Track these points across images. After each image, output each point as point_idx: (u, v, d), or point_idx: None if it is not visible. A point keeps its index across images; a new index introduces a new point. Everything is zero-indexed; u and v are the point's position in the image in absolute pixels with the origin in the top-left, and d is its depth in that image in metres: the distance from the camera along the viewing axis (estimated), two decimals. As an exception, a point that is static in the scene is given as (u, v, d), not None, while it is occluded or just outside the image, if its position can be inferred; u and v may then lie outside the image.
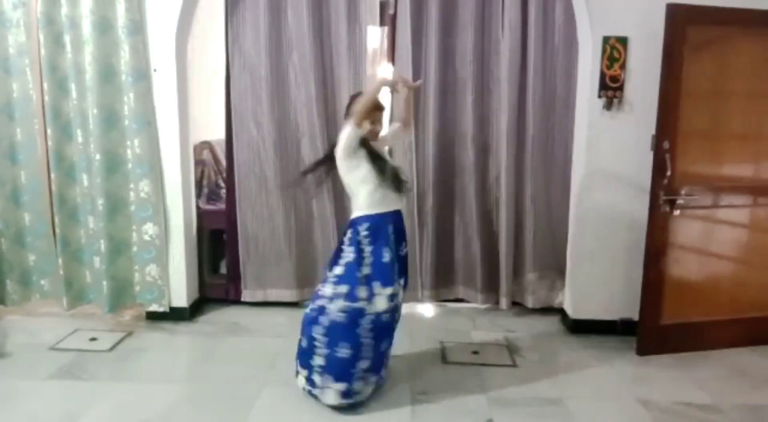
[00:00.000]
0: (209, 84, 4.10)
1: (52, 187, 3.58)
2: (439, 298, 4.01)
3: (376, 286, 2.62)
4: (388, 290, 2.63)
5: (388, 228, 2.69)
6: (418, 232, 3.85)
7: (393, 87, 2.79)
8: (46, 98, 3.46)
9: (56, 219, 3.57)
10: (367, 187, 2.66)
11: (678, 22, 3.03)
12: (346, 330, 2.59)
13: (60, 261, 3.61)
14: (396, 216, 2.76)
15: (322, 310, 2.63)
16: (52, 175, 3.54)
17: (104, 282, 3.56)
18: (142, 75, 3.43)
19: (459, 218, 3.86)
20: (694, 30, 3.06)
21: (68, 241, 3.62)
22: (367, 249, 2.65)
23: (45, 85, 3.45)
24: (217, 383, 2.93)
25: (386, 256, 2.65)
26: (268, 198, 3.85)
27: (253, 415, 2.63)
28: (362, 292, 2.61)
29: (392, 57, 3.81)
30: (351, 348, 2.59)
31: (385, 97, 2.83)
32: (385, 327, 2.68)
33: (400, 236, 2.80)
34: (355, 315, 2.59)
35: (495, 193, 3.82)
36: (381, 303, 2.62)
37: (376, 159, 2.68)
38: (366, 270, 2.64)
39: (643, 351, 3.27)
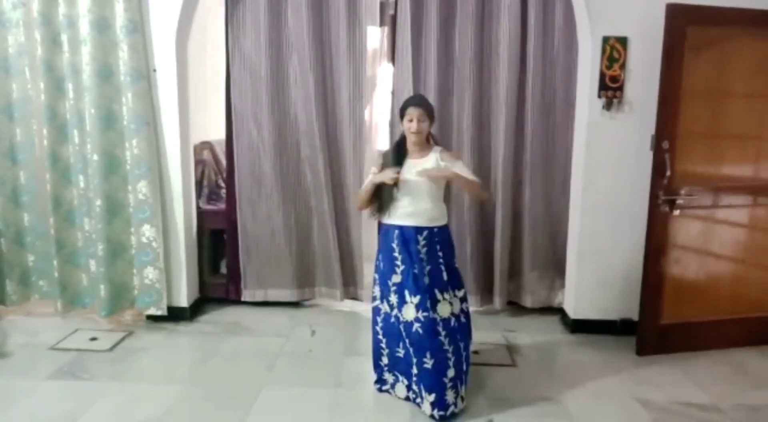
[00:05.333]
0: (210, 84, 4.10)
1: (48, 188, 3.57)
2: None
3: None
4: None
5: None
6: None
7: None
8: (43, 98, 3.45)
9: (51, 221, 3.56)
10: None
11: (678, 22, 3.03)
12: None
13: (55, 263, 3.60)
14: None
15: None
16: (48, 176, 3.54)
17: (101, 286, 3.54)
18: (141, 75, 3.42)
19: (457, 218, 3.85)
20: (694, 30, 3.06)
21: (63, 243, 3.61)
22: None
23: (42, 85, 3.44)
24: (217, 383, 2.93)
25: (381, 263, 2.78)
26: (268, 198, 3.85)
27: (252, 415, 2.63)
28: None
29: (392, 57, 3.82)
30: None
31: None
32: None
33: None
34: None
35: (493, 192, 3.82)
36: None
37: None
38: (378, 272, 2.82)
39: (642, 351, 3.27)
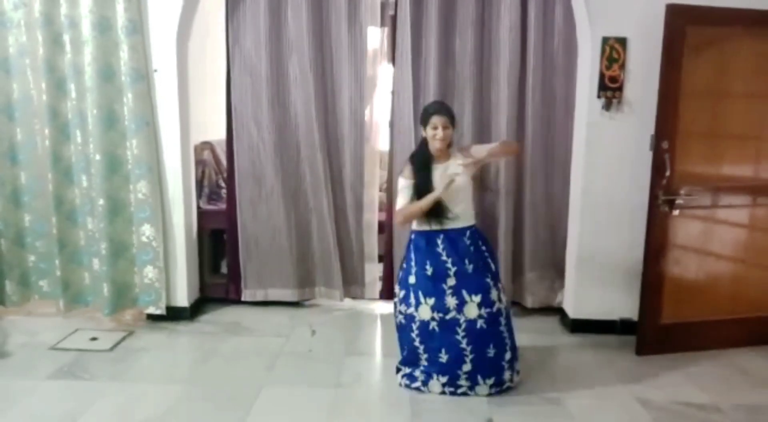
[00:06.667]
0: (210, 84, 4.10)
1: (50, 188, 3.57)
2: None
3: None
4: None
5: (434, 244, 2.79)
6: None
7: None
8: (44, 98, 3.45)
9: (54, 220, 3.56)
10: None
11: (677, 22, 3.03)
12: (399, 332, 2.92)
13: (57, 262, 3.61)
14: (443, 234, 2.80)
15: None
16: (50, 176, 3.54)
17: (104, 285, 3.55)
18: (141, 75, 3.43)
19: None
20: (694, 30, 3.06)
21: (65, 243, 3.62)
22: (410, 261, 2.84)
23: (43, 85, 3.44)
24: (217, 383, 2.93)
25: (428, 270, 2.77)
26: (268, 198, 3.85)
27: (252, 415, 2.63)
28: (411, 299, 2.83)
29: (392, 58, 3.82)
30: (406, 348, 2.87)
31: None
32: (436, 335, 2.78)
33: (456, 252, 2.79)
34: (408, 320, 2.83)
35: (494, 192, 3.82)
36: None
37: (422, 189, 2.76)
38: (412, 279, 2.82)
39: (642, 350, 3.27)
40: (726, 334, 3.36)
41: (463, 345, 2.74)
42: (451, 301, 2.73)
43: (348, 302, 4.02)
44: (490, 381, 2.77)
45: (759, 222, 3.39)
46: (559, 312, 3.81)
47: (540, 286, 3.88)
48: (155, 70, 3.49)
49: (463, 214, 2.80)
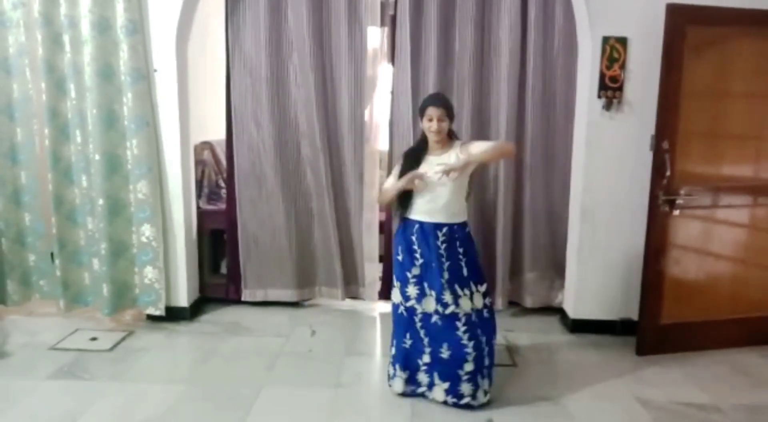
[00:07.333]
0: (210, 84, 4.10)
1: (49, 188, 3.57)
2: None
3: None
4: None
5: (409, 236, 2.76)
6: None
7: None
8: (44, 98, 3.45)
9: (53, 220, 3.56)
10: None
11: (678, 22, 3.03)
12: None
13: (57, 262, 3.61)
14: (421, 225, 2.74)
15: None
16: (50, 176, 3.54)
17: (104, 285, 3.55)
18: (141, 75, 3.42)
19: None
20: (694, 30, 3.07)
21: (65, 243, 3.62)
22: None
23: (43, 85, 3.44)
24: (217, 383, 2.93)
25: (399, 255, 2.77)
26: (268, 198, 3.85)
27: (252, 415, 2.63)
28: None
29: (392, 58, 3.82)
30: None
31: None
32: (403, 320, 2.77)
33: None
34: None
35: (494, 192, 3.82)
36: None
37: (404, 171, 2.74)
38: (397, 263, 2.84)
39: (642, 350, 3.27)
40: (726, 334, 3.36)
41: (421, 334, 2.72)
42: (412, 290, 2.70)
43: (348, 302, 4.02)
44: (445, 386, 2.67)
45: (759, 222, 3.39)
46: (559, 312, 3.81)
47: (540, 286, 3.88)
48: (155, 70, 3.49)
49: (444, 210, 2.68)
